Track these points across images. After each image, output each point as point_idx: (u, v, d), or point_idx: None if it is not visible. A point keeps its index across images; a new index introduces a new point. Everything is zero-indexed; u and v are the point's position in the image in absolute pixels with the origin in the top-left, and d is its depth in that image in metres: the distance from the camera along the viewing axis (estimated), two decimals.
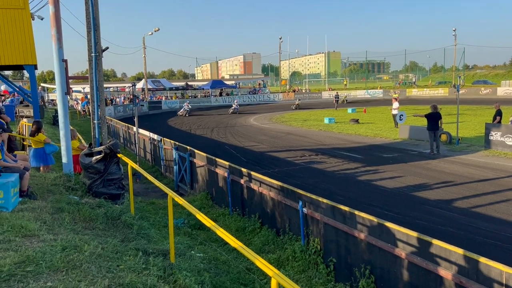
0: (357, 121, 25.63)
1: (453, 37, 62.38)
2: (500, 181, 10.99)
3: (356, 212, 5.70)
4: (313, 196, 6.66)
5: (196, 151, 11.83)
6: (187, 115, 37.25)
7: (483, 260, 4.05)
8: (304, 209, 6.80)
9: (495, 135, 15.09)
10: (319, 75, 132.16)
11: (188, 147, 12.41)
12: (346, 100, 48.58)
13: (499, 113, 16.30)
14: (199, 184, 11.80)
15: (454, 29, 62.53)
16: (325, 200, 6.35)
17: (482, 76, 77.38)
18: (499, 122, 15.92)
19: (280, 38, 66.94)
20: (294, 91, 64.13)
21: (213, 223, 3.83)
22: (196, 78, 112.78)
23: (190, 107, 39.48)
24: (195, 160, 11.83)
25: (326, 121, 26.62)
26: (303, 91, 65.73)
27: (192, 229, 8.62)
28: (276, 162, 14.59)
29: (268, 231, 8.01)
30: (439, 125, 15.28)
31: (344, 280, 5.94)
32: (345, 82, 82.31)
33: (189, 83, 62.12)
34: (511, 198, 9.37)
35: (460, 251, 4.28)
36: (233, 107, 39.49)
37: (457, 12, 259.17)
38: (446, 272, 4.40)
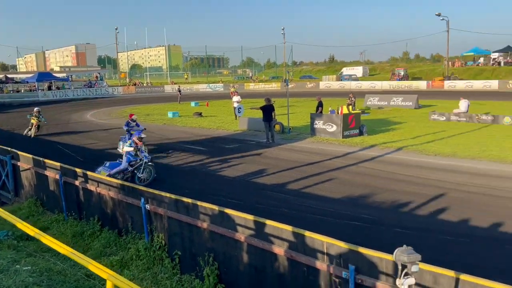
0: (200, 114, 26.08)
1: (282, 35, 68.66)
2: (324, 163, 12.58)
3: (199, 203, 5.80)
4: (156, 192, 6.54)
5: (20, 152, 10.39)
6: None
7: (307, 234, 4.55)
8: (147, 205, 6.62)
9: (318, 124, 17.16)
10: (160, 68, 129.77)
11: (9, 149, 10.82)
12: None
13: (320, 104, 18.66)
14: (25, 190, 10.41)
15: (283, 27, 68.74)
16: (167, 194, 6.30)
17: (307, 72, 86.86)
18: (321, 112, 18.20)
19: (116, 29, 63.52)
20: (134, 84, 61.75)
21: (37, 230, 3.42)
22: (18, 70, 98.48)
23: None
24: (19, 163, 10.38)
25: (170, 115, 26.40)
26: (145, 84, 63.81)
27: (18, 240, 7.58)
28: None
29: (109, 233, 7.56)
30: (273, 116, 16.67)
31: (189, 271, 6.00)
32: (185, 76, 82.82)
33: (9, 75, 54.00)
34: (333, 178, 10.83)
35: (289, 228, 4.73)
36: None
37: (284, 11, 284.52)
38: (280, 249, 4.82)
